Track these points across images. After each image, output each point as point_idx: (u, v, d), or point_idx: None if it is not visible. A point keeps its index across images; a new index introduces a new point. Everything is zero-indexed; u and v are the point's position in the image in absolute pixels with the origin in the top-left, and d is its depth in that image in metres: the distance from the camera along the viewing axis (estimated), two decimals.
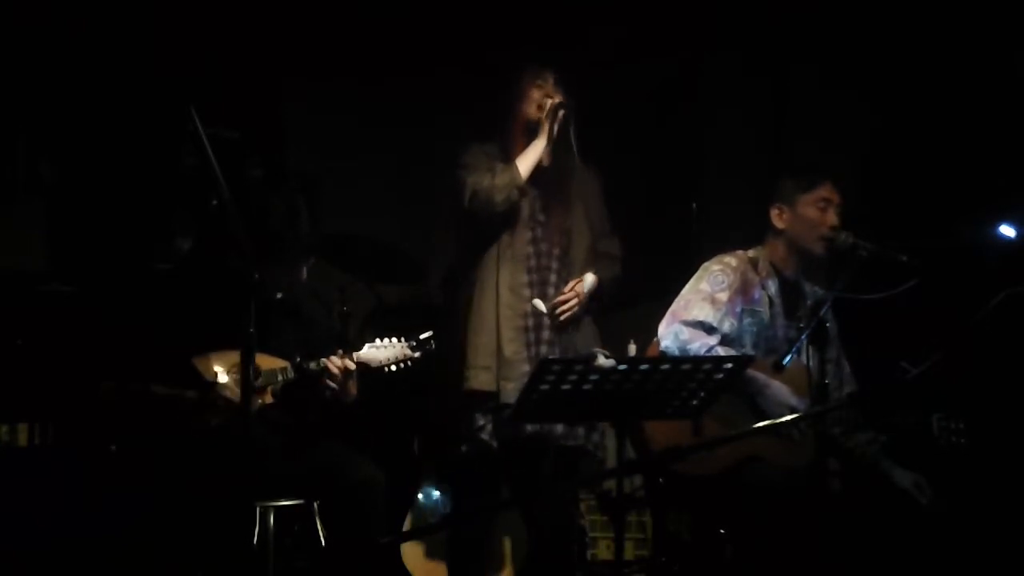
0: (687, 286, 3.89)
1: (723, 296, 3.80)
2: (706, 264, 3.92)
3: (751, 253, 3.93)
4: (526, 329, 4.05)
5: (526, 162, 4.05)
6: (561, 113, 4.04)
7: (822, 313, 3.46)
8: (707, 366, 2.92)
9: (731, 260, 3.89)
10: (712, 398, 3.03)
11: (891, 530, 3.59)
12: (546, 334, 4.04)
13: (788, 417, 3.38)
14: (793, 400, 3.65)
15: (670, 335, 3.79)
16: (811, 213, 3.83)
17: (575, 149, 4.13)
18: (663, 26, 5.11)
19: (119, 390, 3.60)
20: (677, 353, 3.74)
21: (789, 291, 3.90)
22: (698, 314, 3.78)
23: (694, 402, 3.03)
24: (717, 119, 5.34)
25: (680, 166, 5.34)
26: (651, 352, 3.88)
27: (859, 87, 4.93)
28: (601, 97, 5.02)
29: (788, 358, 3.40)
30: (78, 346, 3.63)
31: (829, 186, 3.85)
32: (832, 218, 3.81)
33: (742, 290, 3.83)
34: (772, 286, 3.87)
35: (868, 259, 3.58)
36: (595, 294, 4.14)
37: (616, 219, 4.32)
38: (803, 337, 3.44)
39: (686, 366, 2.93)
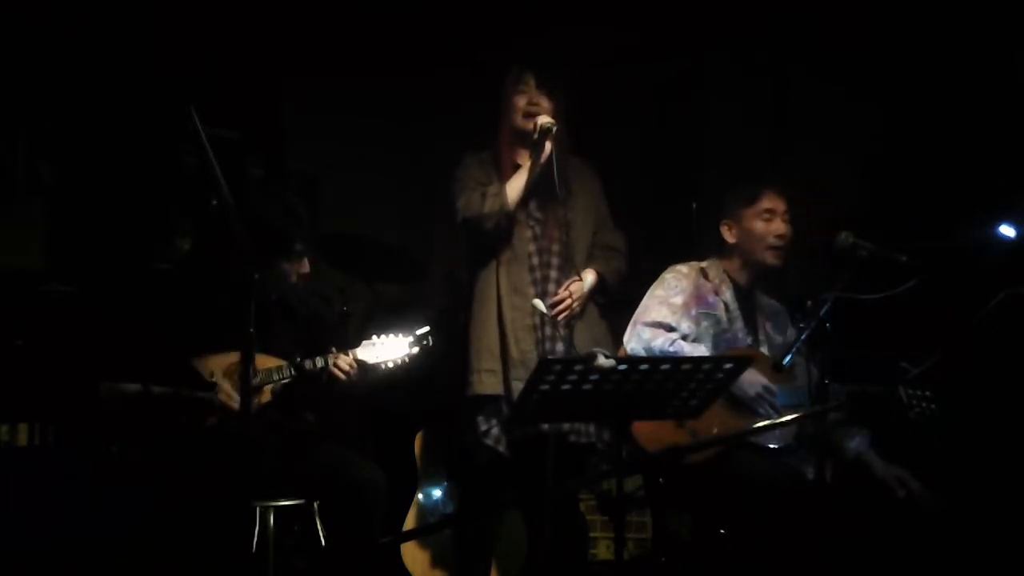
0: (646, 295, 3.97)
1: (678, 300, 3.89)
2: (662, 274, 4.00)
3: (703, 264, 4.00)
4: (533, 328, 4.05)
5: (515, 188, 4.03)
6: (554, 132, 4.00)
7: (822, 313, 3.46)
8: (707, 366, 2.93)
9: (683, 268, 3.99)
10: (712, 398, 3.03)
11: (889, 528, 3.59)
12: (553, 332, 4.04)
13: (788, 417, 3.39)
14: (762, 378, 3.69)
15: (634, 337, 3.88)
16: (757, 226, 3.90)
17: (567, 150, 4.12)
18: (663, 26, 5.11)
19: (118, 390, 3.60)
20: (643, 353, 3.82)
21: (743, 299, 3.96)
22: (656, 316, 3.87)
23: (693, 402, 3.03)
24: (717, 119, 5.34)
25: (680, 166, 5.35)
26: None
27: (859, 87, 4.93)
28: (601, 97, 5.03)
29: (788, 358, 3.41)
30: (78, 346, 3.63)
31: (771, 195, 3.92)
32: (778, 227, 3.89)
33: (696, 295, 3.91)
34: (727, 292, 3.94)
35: (868, 259, 3.59)
36: (600, 288, 4.14)
37: (616, 218, 4.32)
38: (803, 337, 3.44)
39: (686, 366, 2.93)
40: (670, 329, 3.84)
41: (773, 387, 3.70)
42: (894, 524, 3.60)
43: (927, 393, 3.63)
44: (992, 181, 4.41)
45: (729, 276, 3.96)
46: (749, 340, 3.90)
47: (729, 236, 3.95)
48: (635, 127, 5.35)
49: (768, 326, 3.96)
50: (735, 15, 5.05)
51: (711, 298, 3.90)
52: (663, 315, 3.86)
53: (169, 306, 3.80)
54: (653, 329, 3.84)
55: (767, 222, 3.88)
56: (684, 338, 3.84)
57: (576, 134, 4.20)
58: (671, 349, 3.78)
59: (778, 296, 4.03)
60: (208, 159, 2.92)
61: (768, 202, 3.90)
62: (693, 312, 3.87)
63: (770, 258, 3.88)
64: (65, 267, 4.56)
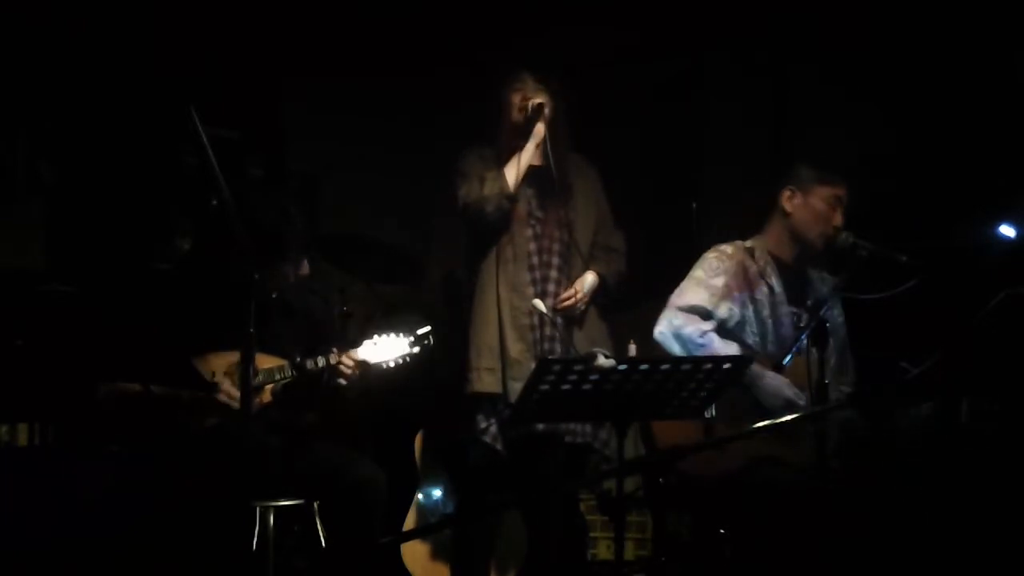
0: (687, 277, 3.90)
1: (718, 281, 3.81)
2: (704, 254, 3.93)
3: (748, 243, 3.94)
4: (531, 328, 4.05)
5: (513, 170, 4.05)
6: (546, 112, 4.03)
7: (822, 313, 3.46)
8: (707, 366, 2.93)
9: (727, 248, 3.91)
10: (712, 398, 3.03)
11: (892, 530, 3.59)
12: (552, 332, 4.04)
13: (790, 416, 3.38)
14: (789, 392, 3.65)
15: (664, 321, 3.80)
16: (822, 207, 3.84)
17: (565, 145, 4.13)
18: (663, 26, 5.11)
19: (118, 390, 3.60)
20: (671, 338, 3.76)
21: (791, 278, 3.89)
22: (692, 299, 3.79)
23: (694, 402, 3.03)
24: (717, 119, 5.34)
25: (680, 166, 5.34)
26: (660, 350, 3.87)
27: (859, 87, 4.92)
28: (601, 97, 5.02)
29: (788, 358, 3.40)
30: (78, 346, 3.63)
31: (844, 188, 3.85)
32: (839, 218, 3.82)
33: (740, 276, 3.83)
34: (772, 274, 3.87)
35: (868, 259, 3.59)
36: (601, 290, 4.14)
37: (616, 218, 4.32)
38: (803, 336, 3.44)
39: (686, 366, 2.93)
40: (706, 315, 3.76)
41: (799, 400, 3.65)
42: (894, 524, 3.59)
43: (993, 408, 3.60)
44: (992, 181, 4.41)
45: (773, 256, 3.90)
46: (802, 322, 3.83)
47: (788, 204, 3.87)
48: (635, 127, 5.34)
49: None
50: (735, 15, 5.04)
51: (755, 283, 3.83)
52: (700, 298, 3.78)
53: (169, 306, 3.80)
54: (687, 315, 3.76)
55: (832, 208, 3.82)
56: (722, 324, 3.77)
57: (576, 134, 4.21)
58: (700, 340, 3.71)
59: (829, 270, 3.95)
60: (208, 159, 2.92)
61: (841, 191, 3.83)
62: (736, 295, 3.80)
63: (819, 242, 3.81)
64: (65, 267, 4.55)
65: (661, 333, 3.79)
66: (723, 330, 3.79)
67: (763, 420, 3.56)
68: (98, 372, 3.59)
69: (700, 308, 3.77)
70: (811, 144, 4.99)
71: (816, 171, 3.87)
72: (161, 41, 4.74)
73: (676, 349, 3.76)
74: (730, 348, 3.72)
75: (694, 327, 3.73)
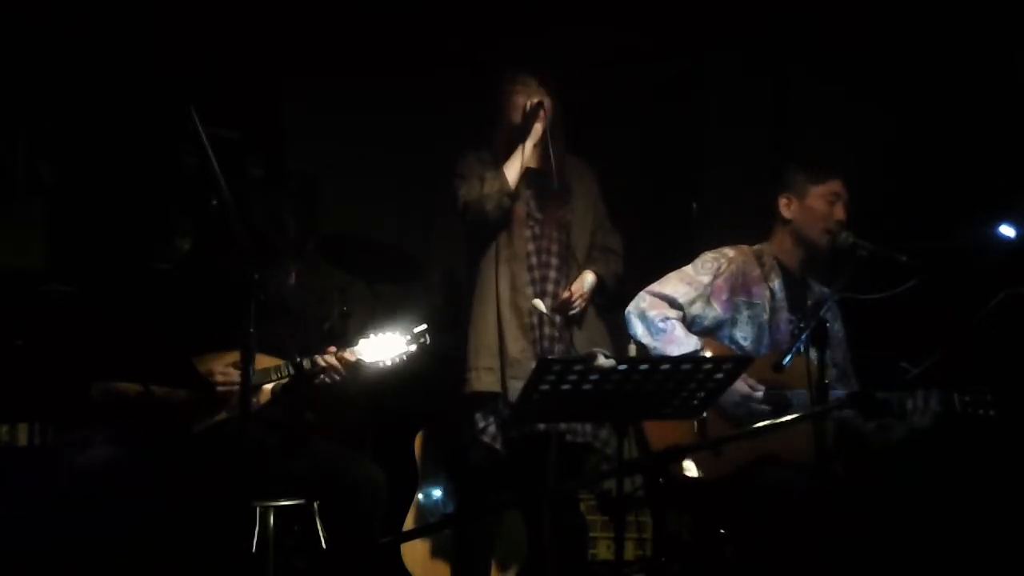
0: None
1: (704, 279, 3.83)
2: (705, 252, 3.94)
3: (756, 247, 3.94)
4: (531, 327, 4.06)
5: (512, 168, 4.05)
6: (541, 113, 4.03)
7: (822, 313, 3.45)
8: (707, 366, 2.92)
9: (729, 251, 3.92)
10: (712, 398, 3.02)
11: (889, 528, 3.59)
12: (551, 331, 4.04)
13: (788, 417, 3.38)
14: (744, 387, 3.64)
15: (633, 302, 3.85)
16: (820, 206, 3.84)
17: (563, 146, 4.13)
18: (663, 26, 5.11)
19: (116, 390, 3.60)
20: (636, 318, 3.80)
21: (794, 287, 3.90)
22: (668, 289, 3.83)
23: (694, 402, 3.02)
24: (717, 119, 5.34)
25: (680, 166, 5.35)
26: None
27: (859, 87, 4.93)
28: (601, 97, 5.03)
29: (788, 358, 3.40)
30: (78, 346, 3.63)
31: (840, 182, 3.85)
32: (840, 212, 3.82)
33: (736, 279, 3.83)
34: (776, 280, 3.87)
35: (868, 259, 3.59)
36: (599, 290, 4.15)
37: (616, 219, 4.32)
38: (803, 337, 3.43)
39: (686, 366, 2.92)
40: (675, 305, 3.79)
41: (756, 395, 3.66)
42: (894, 524, 3.59)
43: (988, 398, 3.58)
44: (992, 181, 4.41)
45: (779, 261, 3.91)
46: (795, 330, 3.80)
47: (786, 211, 3.88)
48: (635, 127, 5.35)
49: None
50: (735, 15, 5.05)
51: (756, 287, 3.84)
52: (676, 290, 3.81)
53: (169, 306, 3.80)
54: (655, 299, 3.80)
55: (831, 204, 3.82)
56: (695, 320, 3.79)
57: (576, 134, 4.21)
58: (661, 325, 3.74)
59: (829, 283, 3.95)
60: (208, 159, 2.93)
61: (836, 187, 3.84)
62: (724, 297, 3.81)
63: (823, 241, 3.80)
64: (65, 267, 4.56)
65: (628, 313, 3.85)
66: (698, 328, 3.80)
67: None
68: (98, 372, 3.60)
69: (670, 298, 3.80)
70: (811, 144, 5.00)
71: (806, 173, 3.88)
72: (161, 41, 4.74)
73: (639, 330, 3.80)
74: (690, 340, 3.73)
75: (658, 311, 3.77)
